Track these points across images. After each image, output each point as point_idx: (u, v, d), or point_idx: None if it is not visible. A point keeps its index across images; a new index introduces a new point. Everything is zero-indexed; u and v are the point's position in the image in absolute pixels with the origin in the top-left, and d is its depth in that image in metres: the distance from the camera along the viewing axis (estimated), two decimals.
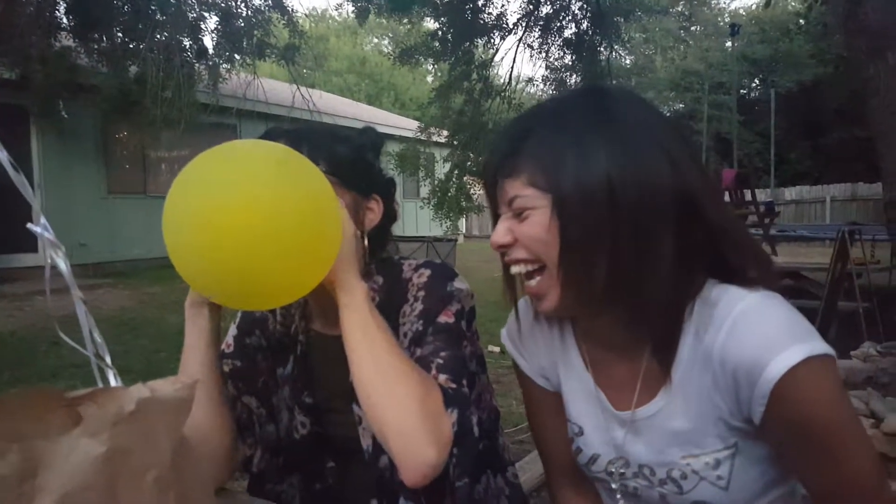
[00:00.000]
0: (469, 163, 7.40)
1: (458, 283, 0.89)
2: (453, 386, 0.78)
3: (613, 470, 0.80)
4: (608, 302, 0.72)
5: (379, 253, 0.95)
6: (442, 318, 0.84)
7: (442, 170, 7.66)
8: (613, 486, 0.81)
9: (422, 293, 0.87)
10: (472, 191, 7.59)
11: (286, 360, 0.97)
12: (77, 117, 7.39)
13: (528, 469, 2.53)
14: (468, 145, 7.33)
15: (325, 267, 0.73)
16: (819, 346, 0.63)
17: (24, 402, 0.41)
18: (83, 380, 3.97)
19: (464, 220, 11.07)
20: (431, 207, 7.49)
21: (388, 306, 0.86)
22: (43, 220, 0.57)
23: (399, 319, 0.87)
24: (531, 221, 0.71)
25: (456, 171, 7.39)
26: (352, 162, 0.89)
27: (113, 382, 0.48)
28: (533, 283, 0.74)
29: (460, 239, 12.00)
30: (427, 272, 0.89)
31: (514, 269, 0.76)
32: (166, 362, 4.49)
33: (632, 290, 0.69)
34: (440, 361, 0.80)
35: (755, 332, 0.65)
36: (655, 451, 0.76)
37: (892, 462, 1.92)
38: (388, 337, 0.76)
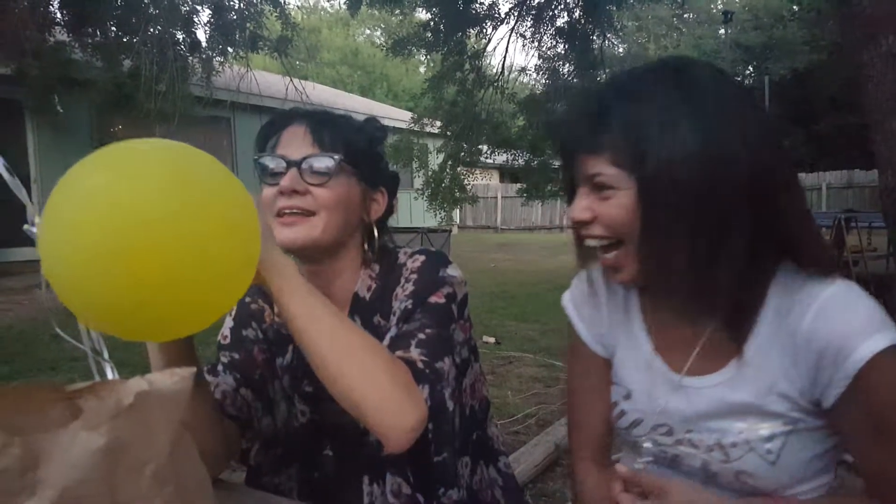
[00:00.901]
0: (462, 153, 7.38)
1: (452, 270, 0.90)
2: (425, 360, 0.79)
3: (656, 436, 0.82)
4: (685, 275, 0.73)
5: (377, 243, 0.95)
6: (433, 299, 0.85)
7: (436, 160, 7.65)
8: (649, 446, 0.82)
9: (414, 276, 0.88)
10: (465, 181, 7.58)
11: (285, 349, 0.97)
12: (72, 112, 7.36)
13: (524, 460, 2.55)
14: (461, 136, 7.30)
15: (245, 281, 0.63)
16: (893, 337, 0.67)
17: (25, 396, 0.42)
18: (82, 373, 3.97)
19: (458, 210, 11.07)
20: (425, 198, 7.49)
21: (384, 291, 0.88)
22: (37, 219, 0.56)
23: (392, 303, 0.88)
24: (614, 203, 0.72)
25: (450, 162, 7.38)
26: (364, 152, 0.90)
27: (110, 376, 0.49)
28: (610, 256, 0.76)
29: (454, 230, 11.99)
30: (421, 258, 0.91)
31: (591, 243, 0.77)
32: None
33: (710, 266, 0.71)
34: (421, 337, 0.81)
35: (844, 317, 0.69)
36: (709, 418, 0.77)
37: None
38: (336, 312, 0.74)
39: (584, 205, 0.75)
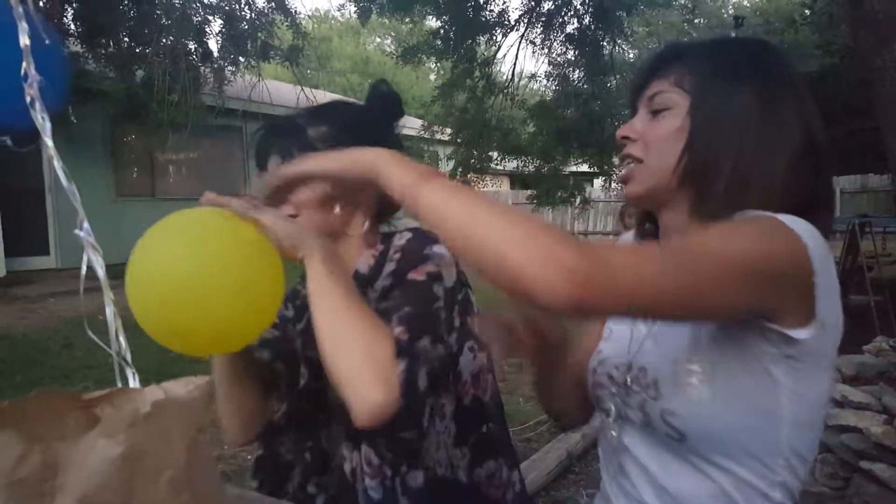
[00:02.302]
0: (473, 160, 7.39)
1: (438, 249, 0.90)
2: (405, 338, 0.81)
3: (614, 374, 0.83)
4: (693, 198, 0.76)
5: (380, 222, 0.99)
6: (411, 276, 0.87)
7: (446, 168, 7.67)
8: (611, 390, 0.82)
9: (397, 255, 0.90)
10: (476, 188, 7.58)
11: (303, 317, 1.02)
12: (86, 121, 7.45)
13: (536, 467, 2.54)
14: (472, 143, 7.32)
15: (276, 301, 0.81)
16: None
17: (43, 405, 0.42)
18: (96, 381, 4.00)
19: None
20: None
21: (378, 269, 0.92)
22: (86, 225, 0.60)
23: (380, 276, 0.92)
24: (665, 121, 0.76)
25: (460, 169, 7.39)
26: (329, 140, 0.91)
27: (132, 382, 0.49)
28: (629, 167, 0.79)
29: None
30: (408, 235, 0.93)
31: (623, 158, 0.81)
32: (176, 362, 4.52)
33: (735, 196, 0.72)
34: (400, 314, 0.83)
35: None
36: (660, 354, 0.77)
37: None
38: (345, 291, 0.79)
39: (635, 123, 0.80)
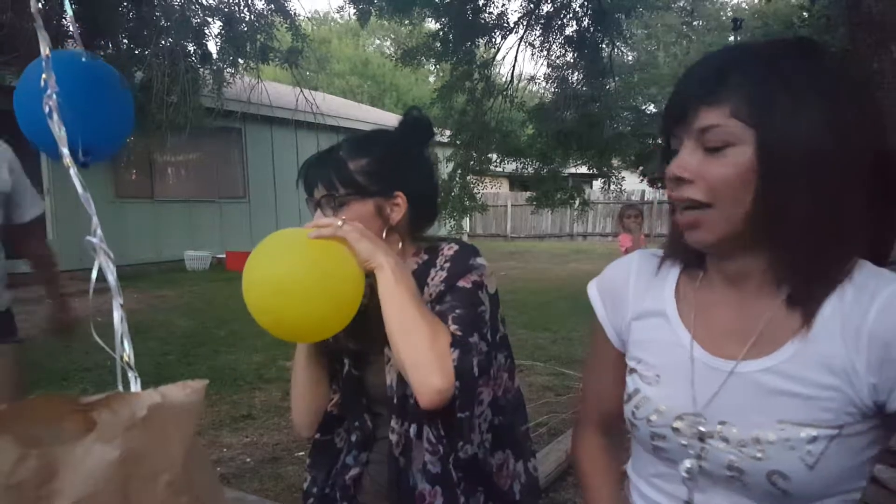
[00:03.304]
0: (472, 162, 7.39)
1: (480, 260, 1.05)
2: (460, 334, 0.96)
3: (680, 426, 0.76)
4: (770, 244, 0.71)
5: (419, 236, 1.12)
6: (461, 283, 1.01)
7: (445, 169, 7.67)
8: (681, 442, 0.77)
9: (448, 264, 1.04)
10: (475, 190, 7.58)
11: None
12: None
13: (541, 463, 2.54)
14: (471, 145, 7.32)
15: (355, 301, 0.97)
16: None
17: (40, 408, 0.42)
18: (93, 383, 4.00)
19: (468, 219, 11.06)
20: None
21: (423, 273, 1.05)
22: (99, 232, 0.62)
23: (427, 281, 1.04)
24: (728, 160, 0.69)
25: (459, 171, 7.39)
26: (368, 173, 1.05)
27: (134, 387, 0.49)
28: (692, 215, 0.72)
29: (464, 238, 11.97)
30: (456, 247, 1.07)
31: (678, 203, 0.74)
32: (174, 365, 4.52)
33: (821, 238, 0.68)
34: (454, 314, 0.98)
35: None
36: (750, 409, 0.72)
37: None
38: (410, 295, 0.94)
39: (687, 161, 0.71)
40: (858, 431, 0.69)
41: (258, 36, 6.79)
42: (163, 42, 6.06)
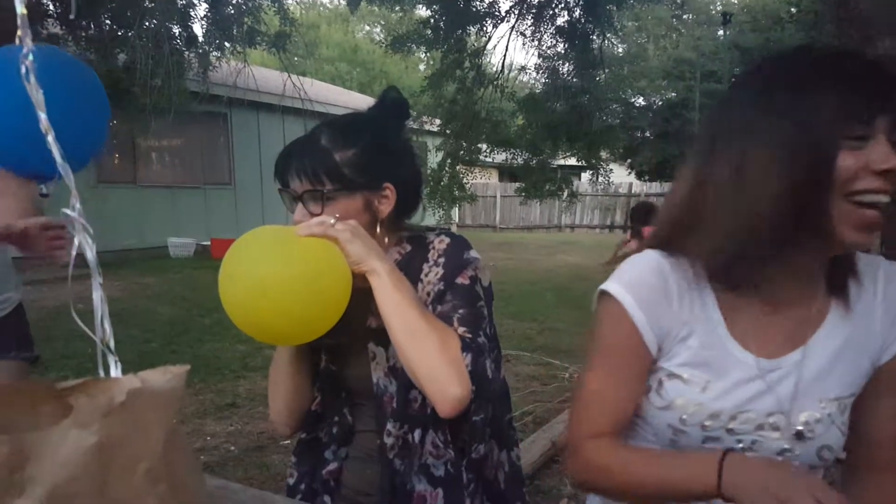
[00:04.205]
0: (462, 152, 7.37)
1: (473, 253, 1.02)
2: (469, 336, 0.93)
3: (734, 426, 0.82)
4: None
5: (401, 225, 1.07)
6: (459, 280, 0.98)
7: (435, 159, 7.64)
8: (736, 439, 0.83)
9: (442, 259, 1.00)
10: (464, 180, 7.56)
11: None
12: None
13: (521, 457, 2.56)
14: (461, 134, 7.29)
15: (343, 301, 0.91)
16: None
17: (15, 394, 0.41)
18: (75, 371, 3.95)
19: (457, 209, 11.06)
20: (424, 196, 7.46)
21: (410, 266, 1.01)
22: (78, 206, 0.60)
23: (420, 277, 1.00)
24: None
25: (449, 161, 7.36)
26: (356, 165, 0.98)
27: (114, 371, 0.48)
28: (876, 213, 0.74)
29: (453, 228, 11.99)
30: (447, 240, 1.02)
31: (882, 199, 0.74)
32: (158, 353, 4.48)
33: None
34: (459, 315, 0.95)
35: None
36: (799, 398, 0.81)
37: None
38: (410, 300, 0.91)
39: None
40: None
41: (245, 19, 6.69)
42: (147, 23, 5.95)
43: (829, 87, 0.74)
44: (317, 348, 1.08)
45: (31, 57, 0.60)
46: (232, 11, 6.63)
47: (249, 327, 0.88)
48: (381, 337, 1.00)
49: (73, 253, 0.60)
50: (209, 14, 6.59)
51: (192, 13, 6.69)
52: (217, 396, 3.61)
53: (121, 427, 0.39)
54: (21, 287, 1.82)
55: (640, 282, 0.86)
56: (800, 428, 0.80)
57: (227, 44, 6.89)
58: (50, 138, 0.59)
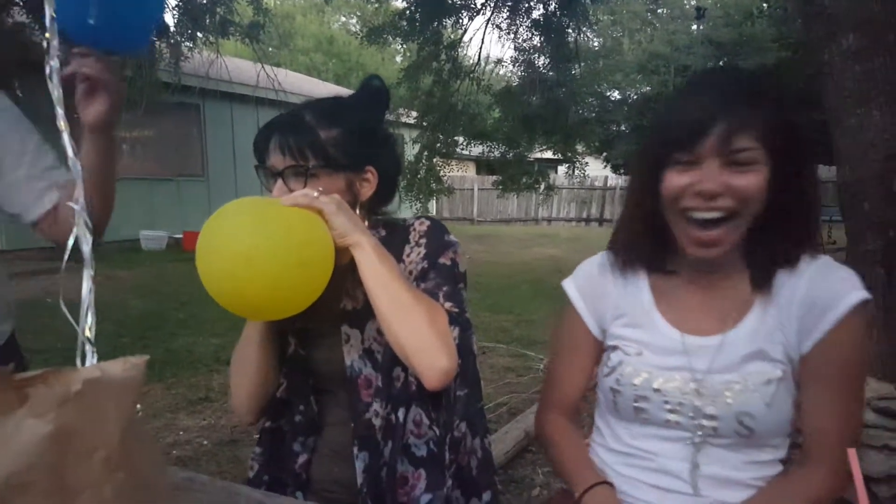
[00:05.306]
0: (438, 144, 7.36)
1: (453, 238, 1.04)
2: (456, 310, 0.95)
3: (661, 386, 0.93)
4: (758, 243, 0.89)
5: (378, 212, 1.07)
6: (442, 260, 1.00)
7: (411, 151, 7.63)
8: (662, 403, 0.93)
9: (424, 240, 1.01)
10: (441, 173, 7.56)
11: None
12: (33, 96, 7.07)
13: (494, 447, 2.58)
14: (437, 127, 7.28)
15: (326, 272, 0.89)
16: (867, 294, 0.86)
17: None
18: (46, 365, 3.88)
19: (434, 202, 11.05)
20: (401, 189, 7.45)
21: (390, 247, 1.00)
22: (82, 200, 0.62)
23: (402, 258, 1.01)
24: (754, 177, 0.83)
25: (425, 153, 7.35)
26: (341, 144, 0.97)
27: (90, 361, 0.49)
28: (717, 230, 0.86)
29: None
30: (427, 222, 1.04)
31: (707, 215, 0.86)
32: (130, 348, 4.42)
33: (788, 239, 0.89)
34: (444, 291, 0.96)
35: (836, 275, 0.89)
36: (723, 369, 0.90)
37: None
38: (396, 274, 0.90)
39: (720, 177, 0.83)
40: (791, 377, 0.90)
41: (218, 9, 6.58)
42: None
43: (670, 113, 0.92)
44: (285, 332, 1.06)
45: (55, 60, 0.62)
46: (204, 1, 6.52)
47: (230, 299, 0.84)
48: (356, 319, 1.01)
49: (71, 243, 0.62)
50: (181, 3, 6.46)
51: (164, 2, 6.55)
52: (190, 391, 3.58)
53: (77, 416, 0.39)
54: (13, 314, 1.49)
55: (583, 274, 1.07)
56: (721, 392, 0.89)
57: (199, 34, 6.76)
58: (65, 136, 0.61)
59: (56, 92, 0.63)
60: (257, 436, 1.13)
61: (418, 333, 0.87)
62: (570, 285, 1.08)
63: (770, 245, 0.89)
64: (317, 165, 0.95)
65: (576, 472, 1.00)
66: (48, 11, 0.64)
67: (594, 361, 1.06)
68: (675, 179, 0.87)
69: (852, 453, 0.82)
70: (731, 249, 0.89)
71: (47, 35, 0.64)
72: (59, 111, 0.64)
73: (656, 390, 0.93)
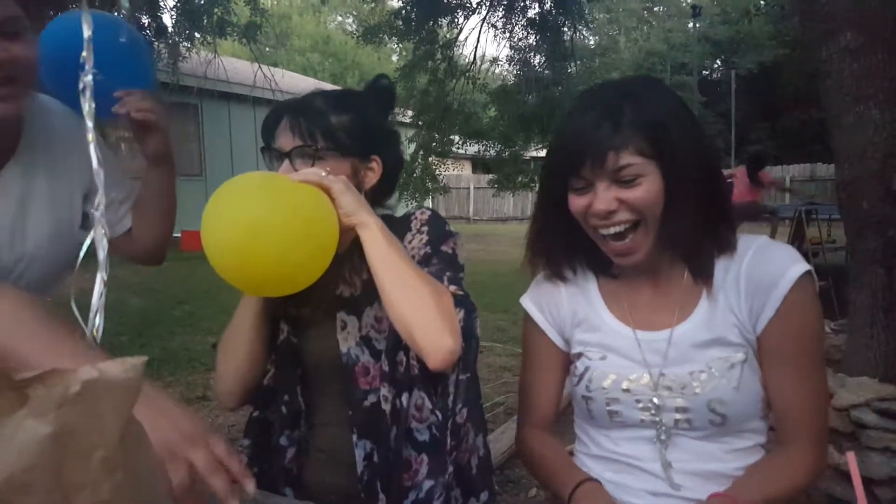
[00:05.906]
0: (434, 143, 7.36)
1: (452, 229, 1.05)
2: (461, 293, 0.95)
3: (629, 386, 0.95)
4: (670, 242, 0.91)
5: (382, 201, 1.09)
6: (444, 248, 1.01)
7: (407, 150, 7.63)
8: (635, 399, 0.94)
9: (426, 228, 1.02)
10: (437, 171, 7.56)
11: None
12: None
13: (491, 447, 2.58)
14: (433, 126, 7.29)
15: (330, 248, 0.88)
16: (808, 266, 0.89)
17: None
18: None
19: (429, 201, 11.05)
20: (397, 188, 7.45)
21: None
22: (102, 206, 0.67)
23: (404, 245, 1.00)
24: (643, 188, 0.86)
25: (421, 152, 7.36)
26: (349, 130, 0.99)
27: None
28: (626, 241, 0.90)
29: None
30: (429, 213, 1.05)
31: (612, 230, 0.90)
32: (128, 347, 4.41)
33: (710, 229, 0.91)
34: (448, 276, 0.97)
35: (774, 254, 0.91)
36: (684, 360, 0.92)
37: (845, 437, 1.99)
38: (403, 255, 0.91)
39: (610, 197, 0.87)
40: (754, 358, 0.91)
41: (215, 9, 6.57)
42: (115, 14, 5.80)
43: (559, 139, 0.96)
44: (278, 319, 1.06)
45: (90, 76, 0.64)
46: (202, 1, 6.51)
47: (234, 272, 0.83)
48: (354, 306, 1.01)
49: (86, 246, 0.63)
50: (179, 4, 6.45)
51: (162, 3, 6.54)
52: (187, 389, 3.58)
53: (76, 417, 0.39)
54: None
55: (539, 290, 1.09)
56: (689, 383, 0.91)
57: (196, 34, 6.75)
58: (92, 147, 0.64)
59: (87, 106, 0.66)
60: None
61: (424, 312, 0.87)
62: (527, 301, 1.09)
63: (694, 236, 0.91)
64: (325, 148, 0.97)
65: (562, 475, 0.99)
66: (85, 32, 0.66)
67: (564, 372, 1.07)
68: (575, 202, 0.92)
69: (851, 456, 0.80)
70: (659, 249, 0.91)
71: (84, 53, 0.67)
72: (89, 124, 0.67)
73: (626, 391, 0.95)
